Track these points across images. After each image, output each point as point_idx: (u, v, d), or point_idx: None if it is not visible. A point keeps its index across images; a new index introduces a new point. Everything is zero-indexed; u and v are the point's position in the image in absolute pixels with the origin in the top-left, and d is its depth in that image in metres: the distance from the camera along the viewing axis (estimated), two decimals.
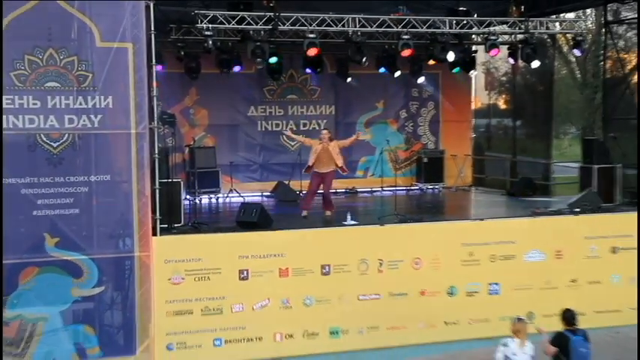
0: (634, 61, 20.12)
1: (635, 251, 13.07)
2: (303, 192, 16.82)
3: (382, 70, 17.05)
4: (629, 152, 15.10)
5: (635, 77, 16.37)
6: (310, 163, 13.79)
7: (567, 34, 16.64)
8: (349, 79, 17.20)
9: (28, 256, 10.45)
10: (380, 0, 14.61)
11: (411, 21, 14.06)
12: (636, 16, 16.83)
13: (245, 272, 11.48)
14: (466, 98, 19.43)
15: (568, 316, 8.90)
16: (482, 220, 13.14)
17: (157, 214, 11.20)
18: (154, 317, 10.99)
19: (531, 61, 15.45)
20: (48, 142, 10.57)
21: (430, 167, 18.25)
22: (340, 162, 13.73)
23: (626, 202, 14.55)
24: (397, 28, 14.07)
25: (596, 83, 24.42)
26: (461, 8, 14.82)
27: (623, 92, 15.79)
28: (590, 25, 25.56)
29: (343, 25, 13.81)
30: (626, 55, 20.18)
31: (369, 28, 13.95)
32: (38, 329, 10.47)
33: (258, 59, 14.12)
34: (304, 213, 13.68)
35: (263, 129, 17.62)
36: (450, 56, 14.81)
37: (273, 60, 14.18)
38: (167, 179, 11.99)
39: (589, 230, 13.09)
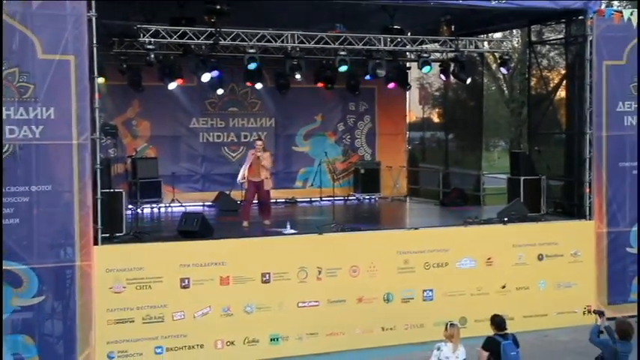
0: (556, 79, 20.63)
1: (560, 258, 13.35)
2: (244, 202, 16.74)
3: (320, 84, 17.04)
4: (553, 165, 15.41)
5: (558, 94, 16.72)
6: (244, 172, 13.64)
7: (495, 53, 16.88)
8: (288, 93, 17.12)
9: None
10: (318, 17, 14.60)
11: (347, 38, 14.09)
12: (558, 37, 17.27)
13: (186, 280, 11.31)
14: (401, 112, 19.60)
15: (498, 321, 8.98)
16: (416, 229, 13.23)
17: (99, 223, 10.94)
18: (94, 326, 10.71)
19: (461, 78, 15.65)
20: None
21: (367, 178, 18.32)
22: (264, 174, 13.71)
23: (551, 211, 14.81)
24: (334, 44, 14.07)
25: (522, 99, 24.95)
26: (395, 27, 14.91)
27: (547, 108, 16.12)
28: (517, 45, 26.16)
29: (282, 41, 13.75)
30: (549, 74, 20.67)
31: (307, 44, 13.92)
32: None
33: (204, 73, 14.04)
34: (245, 223, 13.57)
35: (205, 140, 17.45)
36: (381, 73, 14.88)
37: (252, 66, 13.75)
38: (109, 189, 11.75)
39: (517, 238, 13.29)
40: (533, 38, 17.85)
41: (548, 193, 15.00)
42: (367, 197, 18.44)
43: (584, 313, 13.21)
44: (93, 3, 10.82)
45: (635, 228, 13.76)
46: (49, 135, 10.55)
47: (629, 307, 12.91)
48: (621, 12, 13.91)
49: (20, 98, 10.39)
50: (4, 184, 10.26)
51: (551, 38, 18.86)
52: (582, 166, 13.90)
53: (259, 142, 14.13)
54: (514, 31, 23.78)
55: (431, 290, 12.68)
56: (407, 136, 20.22)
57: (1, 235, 9.95)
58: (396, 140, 19.25)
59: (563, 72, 17.79)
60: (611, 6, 13.83)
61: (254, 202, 14.26)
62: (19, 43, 10.36)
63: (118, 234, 11.66)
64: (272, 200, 17.30)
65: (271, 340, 11.75)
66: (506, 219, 13.76)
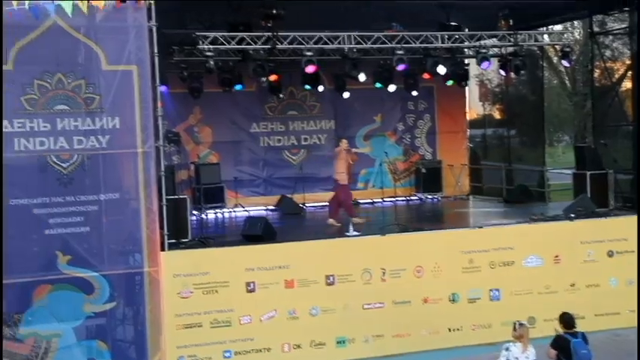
0: (621, 70, 20.16)
1: (631, 254, 13.03)
2: (307, 205, 16.87)
3: (378, 84, 17.05)
4: (619, 158, 15.08)
5: (623, 85, 16.37)
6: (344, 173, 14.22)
7: (556, 46, 16.61)
8: (346, 94, 17.17)
9: (42, 274, 10.38)
10: (374, 17, 14.61)
11: (404, 37, 14.08)
12: (622, 26, 16.89)
13: (252, 284, 11.44)
14: (461, 110, 19.44)
15: (567, 319, 8.84)
16: (481, 227, 13.13)
17: (165, 229, 11.16)
18: (164, 331, 10.92)
19: (521, 72, 15.47)
20: (58, 162, 10.54)
21: (428, 177, 18.21)
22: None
23: (619, 206, 14.49)
24: (391, 44, 14.08)
25: (585, 92, 24.44)
26: (452, 23, 14.83)
27: (612, 100, 15.78)
28: (578, 36, 25.64)
29: (339, 43, 13.82)
30: (613, 64, 20.21)
31: (364, 45, 13.96)
32: (53, 345, 10.39)
33: (262, 78, 14.23)
34: (336, 223, 14.05)
35: (265, 144, 17.64)
36: (441, 70, 14.82)
37: (310, 69, 13.92)
38: (174, 196, 11.98)
39: (585, 235, 13.04)
40: (596, 29, 17.50)
41: (615, 187, 14.69)
42: (429, 197, 18.34)
43: None
44: (153, 13, 11.04)
45: None
46: (115, 144, 10.81)
47: None
48: None
49: (87, 109, 10.67)
50: (74, 193, 10.54)
51: (614, 28, 18.47)
52: None
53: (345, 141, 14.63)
54: (575, 22, 23.29)
55: (497, 290, 12.55)
56: (467, 133, 20.03)
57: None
58: (456, 138, 19.11)
59: (628, 62, 17.42)
60: None
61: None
62: (84, 56, 10.66)
63: (183, 240, 11.88)
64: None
65: (337, 342, 11.79)
66: (572, 215, 13.53)
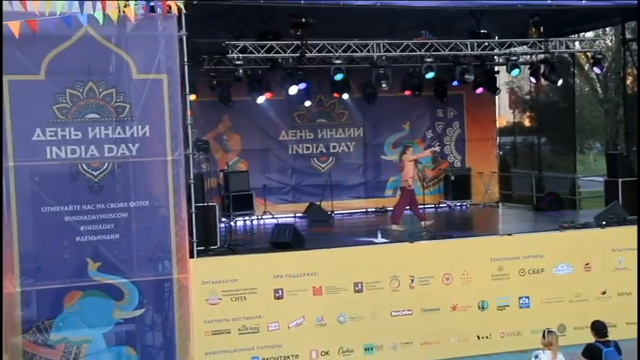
0: None
1: None
2: (335, 212, 16.86)
3: (407, 92, 16.99)
4: None
5: None
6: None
7: (587, 53, 16.46)
8: (375, 102, 17.13)
9: (72, 280, 10.49)
10: (403, 25, 14.60)
11: (433, 44, 14.04)
12: None
13: (280, 291, 11.45)
14: (491, 117, 19.28)
15: (599, 327, 8.73)
16: (510, 234, 13.02)
17: (194, 237, 11.22)
18: (193, 337, 10.97)
19: (552, 80, 15.33)
20: (89, 170, 10.65)
21: (457, 185, 18.11)
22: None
23: None
24: (420, 51, 14.04)
25: (617, 99, 24.19)
26: (482, 31, 14.75)
27: None
28: (610, 43, 25.38)
29: (368, 51, 13.82)
30: None
31: (393, 53, 13.94)
32: (83, 351, 10.49)
33: (291, 86, 14.33)
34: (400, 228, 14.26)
35: (294, 152, 17.65)
36: (470, 77, 14.74)
37: (339, 77, 14.08)
38: (203, 203, 12.04)
39: (616, 242, 12.87)
40: (628, 35, 17.31)
41: None
42: (458, 204, 18.22)
43: None
44: (183, 22, 11.13)
45: None
46: (145, 152, 10.90)
47: None
48: None
49: (117, 118, 10.77)
50: (104, 201, 10.65)
51: None
52: None
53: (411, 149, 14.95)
54: (607, 29, 23.06)
55: (527, 297, 12.43)
56: (497, 141, 19.88)
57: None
58: (486, 146, 18.95)
59: None
60: None
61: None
62: (115, 65, 10.78)
63: (212, 247, 11.93)
64: (363, 209, 17.55)
65: (365, 349, 11.75)
66: (604, 223, 13.35)
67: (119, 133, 10.82)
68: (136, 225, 10.84)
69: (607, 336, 8.65)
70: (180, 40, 11.12)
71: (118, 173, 10.78)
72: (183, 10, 10.35)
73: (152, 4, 10.77)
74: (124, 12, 9.53)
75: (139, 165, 10.93)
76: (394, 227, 14.47)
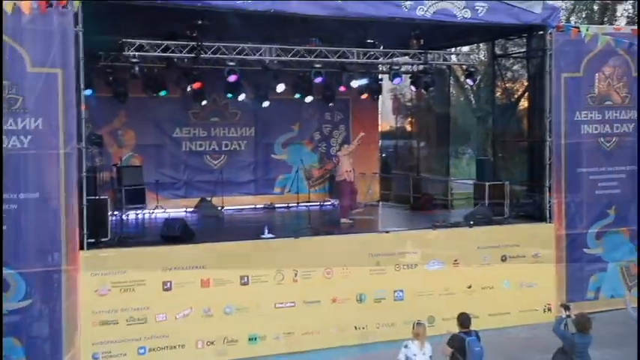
0: (520, 90, 20.82)
1: (523, 259, 13.46)
2: (226, 208, 16.74)
3: (297, 95, 17.09)
4: (516, 171, 15.57)
5: (521, 105, 16.94)
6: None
7: (462, 65, 17.02)
8: (266, 104, 17.14)
9: None
10: (295, 32, 14.65)
11: (322, 51, 14.17)
12: (520, 50, 17.46)
13: (168, 283, 11.27)
14: (374, 121, 19.63)
15: (463, 319, 9.06)
16: (387, 232, 13.31)
17: (85, 229, 10.89)
18: (80, 328, 10.65)
19: (430, 89, 15.81)
20: None
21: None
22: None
23: (514, 215, 14.92)
24: (310, 57, 14.15)
25: (487, 108, 25.14)
26: (368, 41, 15.01)
27: (511, 117, 16.29)
28: (483, 58, 26.36)
29: (261, 55, 13.80)
30: (513, 85, 20.88)
31: (284, 57, 13.98)
32: None
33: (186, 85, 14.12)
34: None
35: (187, 149, 17.37)
36: (356, 83, 14.98)
37: (232, 78, 14.00)
38: (94, 196, 11.69)
39: (482, 241, 13.38)
40: (498, 52, 18.06)
41: (511, 197, 15.14)
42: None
43: (544, 311, 13.34)
44: (80, 18, 10.79)
45: (592, 230, 13.95)
46: (37, 144, 10.49)
47: (586, 305, 13.07)
48: (578, 27, 14.11)
49: (10, 109, 10.31)
50: None
51: (514, 52, 19.10)
52: (543, 171, 14.05)
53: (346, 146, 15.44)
54: (481, 45, 23.98)
55: (401, 291, 12.73)
56: (379, 144, 20.28)
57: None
58: (369, 148, 19.20)
59: (525, 83, 18.03)
60: (569, 22, 13.98)
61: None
62: (9, 57, 10.30)
63: (103, 239, 11.61)
64: (252, 205, 17.51)
65: (250, 339, 11.74)
66: (472, 222, 13.88)
67: (11, 125, 10.37)
68: (25, 217, 10.42)
69: (469, 326, 8.99)
70: (77, 35, 10.78)
71: (8, 165, 10.30)
72: (79, 5, 10.02)
73: None
74: (18, 4, 9.14)
75: (31, 157, 10.50)
76: (343, 221, 14.57)
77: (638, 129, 14.01)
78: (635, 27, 14.62)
